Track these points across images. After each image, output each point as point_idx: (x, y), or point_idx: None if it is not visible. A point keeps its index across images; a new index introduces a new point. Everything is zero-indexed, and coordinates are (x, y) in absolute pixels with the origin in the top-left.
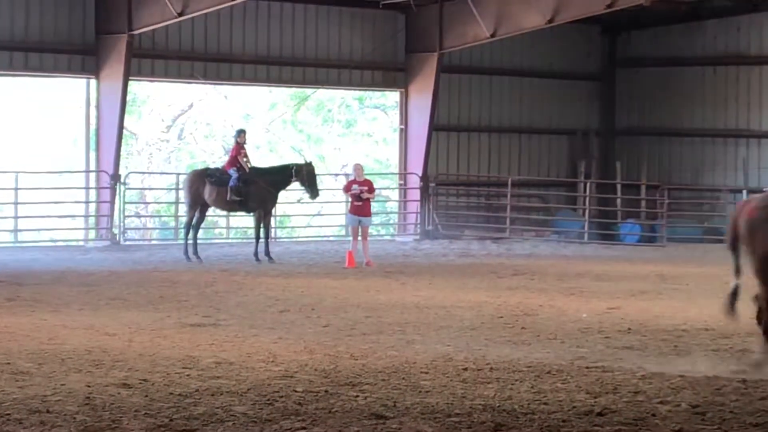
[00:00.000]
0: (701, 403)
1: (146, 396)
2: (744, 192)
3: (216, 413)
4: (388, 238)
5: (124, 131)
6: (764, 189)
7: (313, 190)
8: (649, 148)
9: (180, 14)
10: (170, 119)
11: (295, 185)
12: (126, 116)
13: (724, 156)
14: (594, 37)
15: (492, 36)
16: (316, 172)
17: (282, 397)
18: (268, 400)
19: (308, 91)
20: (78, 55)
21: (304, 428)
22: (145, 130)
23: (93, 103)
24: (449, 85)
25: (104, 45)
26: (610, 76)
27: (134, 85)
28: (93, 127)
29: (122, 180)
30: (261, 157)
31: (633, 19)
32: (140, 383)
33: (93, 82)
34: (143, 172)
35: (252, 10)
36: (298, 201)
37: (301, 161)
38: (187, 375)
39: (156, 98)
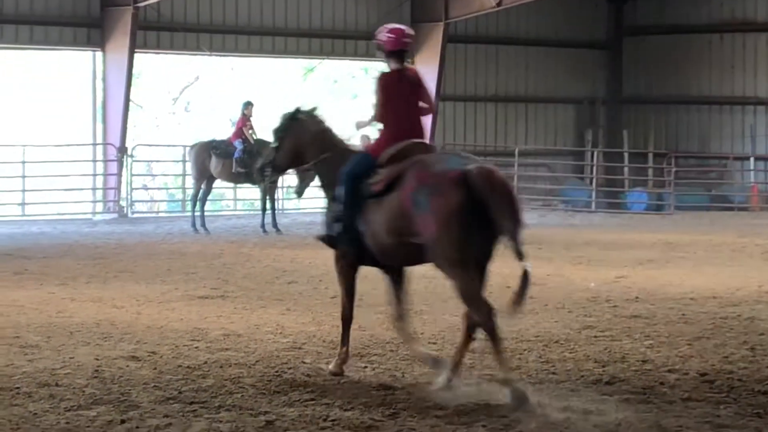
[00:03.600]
0: (709, 371)
1: (155, 368)
2: (751, 159)
3: (225, 385)
4: None
5: (131, 104)
6: None
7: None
8: (655, 116)
9: None
10: (177, 92)
11: None
12: (132, 89)
13: (731, 123)
14: (600, 5)
15: (498, 5)
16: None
17: (290, 368)
18: (277, 371)
19: (314, 62)
20: (83, 27)
21: (312, 400)
22: (151, 103)
23: (99, 76)
24: (455, 54)
25: (110, 17)
26: (616, 44)
27: (140, 58)
28: (100, 100)
29: (129, 153)
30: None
31: None
32: (149, 356)
33: (99, 54)
34: (150, 145)
35: None
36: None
37: None
38: (196, 347)
39: (162, 71)
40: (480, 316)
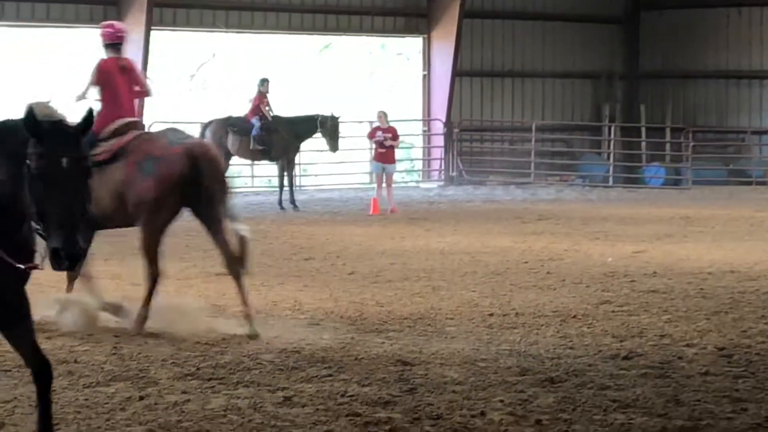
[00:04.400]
0: (727, 345)
1: (173, 345)
2: None
3: (243, 361)
4: (412, 184)
5: (148, 81)
6: None
7: (334, 143)
8: (673, 91)
9: None
10: (194, 69)
11: (316, 137)
12: (148, 66)
13: (749, 97)
14: None
15: None
16: (340, 126)
17: (308, 344)
18: (295, 347)
19: (330, 38)
20: (99, 5)
21: (330, 375)
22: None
23: None
24: (472, 30)
25: None
26: (633, 19)
27: (156, 35)
28: None
29: (146, 129)
30: (284, 106)
31: None
32: (166, 333)
33: None
34: (167, 122)
35: None
36: (323, 150)
37: (326, 113)
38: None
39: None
40: (149, 269)
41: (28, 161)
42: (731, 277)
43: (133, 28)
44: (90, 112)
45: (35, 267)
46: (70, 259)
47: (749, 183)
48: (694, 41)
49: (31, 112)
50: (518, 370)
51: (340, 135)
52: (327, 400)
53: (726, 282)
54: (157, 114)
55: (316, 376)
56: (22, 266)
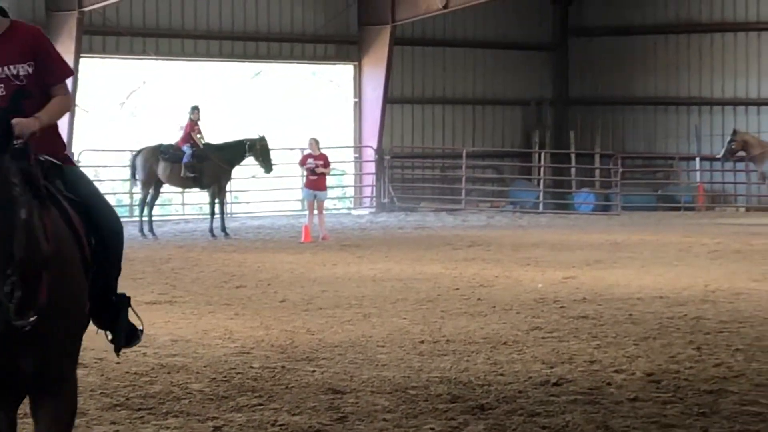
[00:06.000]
0: (656, 371)
1: (102, 375)
2: (697, 159)
3: (172, 391)
4: (344, 211)
5: (77, 109)
6: (716, 155)
7: (267, 164)
8: (602, 117)
9: None
10: (123, 96)
11: (249, 160)
12: (78, 94)
13: (677, 124)
14: (545, 7)
15: (444, 7)
16: (270, 146)
17: (238, 373)
18: (225, 376)
19: (261, 66)
20: None
21: (260, 404)
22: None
23: None
24: (402, 57)
25: (55, 23)
26: (562, 46)
27: (86, 62)
28: None
29: (75, 158)
30: (216, 133)
31: None
32: (96, 362)
33: None
34: (97, 150)
35: None
36: (253, 177)
37: (254, 137)
38: (144, 353)
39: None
40: None
41: None
42: (660, 303)
43: (62, 55)
44: (4, 118)
45: None
46: None
47: (678, 209)
48: (623, 68)
49: None
50: (449, 398)
51: (271, 155)
52: (257, 429)
53: (655, 308)
54: (87, 142)
55: (246, 405)
56: None
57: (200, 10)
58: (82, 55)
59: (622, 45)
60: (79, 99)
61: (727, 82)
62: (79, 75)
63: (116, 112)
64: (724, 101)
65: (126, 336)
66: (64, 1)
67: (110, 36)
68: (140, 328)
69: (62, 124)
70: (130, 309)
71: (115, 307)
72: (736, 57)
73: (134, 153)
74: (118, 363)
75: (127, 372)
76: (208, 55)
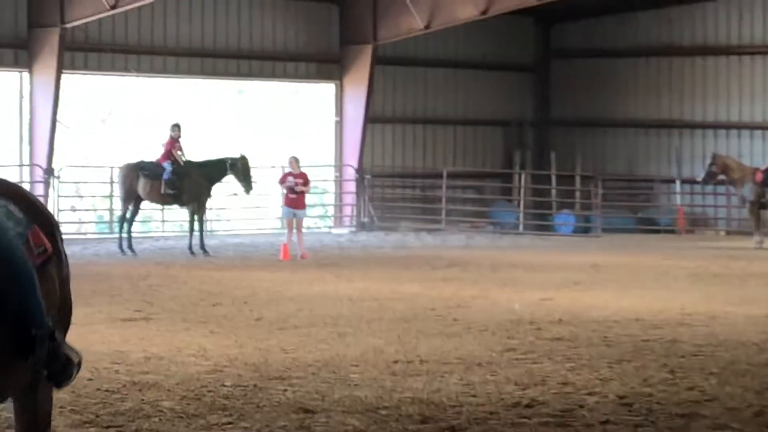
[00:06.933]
0: (629, 393)
1: (73, 392)
2: (677, 182)
3: (143, 408)
4: (325, 230)
5: (58, 125)
6: (697, 179)
7: (247, 183)
8: (583, 139)
9: (113, 7)
10: (105, 113)
11: (230, 178)
12: (60, 110)
13: (657, 146)
14: (528, 28)
15: (426, 27)
16: (251, 165)
17: (210, 391)
18: (196, 395)
19: (243, 84)
20: (10, 48)
21: (230, 423)
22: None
23: (26, 97)
24: (384, 76)
25: (37, 38)
26: (544, 67)
27: (68, 79)
28: (26, 121)
29: (56, 174)
30: (197, 151)
31: (566, 10)
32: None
33: (26, 75)
34: (78, 166)
35: (186, 2)
36: (234, 195)
37: (236, 155)
38: (116, 370)
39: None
40: None
41: None
42: (636, 326)
43: (44, 71)
44: None
45: None
46: None
47: (657, 231)
48: (604, 90)
49: None
50: (420, 418)
51: (252, 175)
52: None
53: (630, 330)
54: (68, 158)
55: (216, 424)
56: None
57: (182, 27)
58: (63, 71)
59: (604, 67)
60: (61, 115)
61: (708, 106)
62: (61, 91)
63: (97, 128)
64: (705, 125)
65: (59, 370)
66: (46, 17)
67: (92, 52)
68: (76, 359)
69: (43, 139)
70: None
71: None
72: (718, 81)
73: (116, 169)
74: (89, 380)
75: (98, 389)
76: (190, 72)
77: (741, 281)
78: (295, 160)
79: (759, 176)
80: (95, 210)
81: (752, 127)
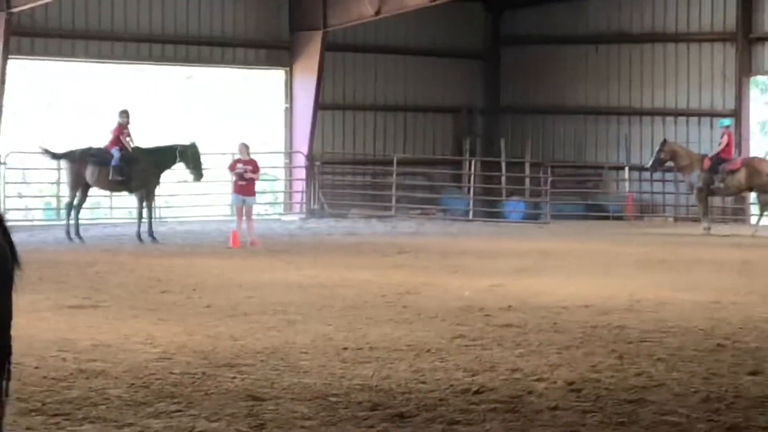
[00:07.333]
0: (577, 379)
1: (19, 380)
2: (626, 169)
3: (90, 396)
4: (275, 217)
5: (4, 110)
6: (645, 165)
7: (197, 171)
8: (532, 126)
9: None
10: (52, 98)
11: (179, 166)
12: (5, 95)
13: (606, 133)
14: (478, 15)
15: (376, 14)
16: (201, 153)
17: (158, 379)
18: (144, 382)
19: (192, 69)
20: None
21: (179, 411)
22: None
23: None
24: (334, 63)
25: None
26: (494, 54)
27: (13, 64)
28: None
29: (2, 160)
30: (146, 137)
31: None
32: (13, 367)
33: None
34: (24, 152)
35: None
36: (184, 181)
37: (186, 142)
38: (63, 358)
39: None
40: None
41: None
42: (585, 312)
43: None
44: None
45: None
46: None
47: (606, 218)
48: (554, 77)
49: None
50: (369, 405)
51: (201, 162)
52: None
53: (579, 316)
54: (15, 143)
55: (165, 412)
56: None
57: (130, 12)
58: (9, 56)
59: (554, 54)
60: (6, 100)
61: (656, 93)
62: (7, 76)
63: (44, 113)
64: (653, 111)
65: None
66: None
67: (39, 38)
68: None
69: None
70: None
71: None
72: (666, 68)
73: (61, 154)
74: (36, 368)
75: (45, 377)
76: (138, 58)
77: (688, 267)
78: (244, 147)
79: (707, 163)
80: (42, 196)
81: (700, 114)
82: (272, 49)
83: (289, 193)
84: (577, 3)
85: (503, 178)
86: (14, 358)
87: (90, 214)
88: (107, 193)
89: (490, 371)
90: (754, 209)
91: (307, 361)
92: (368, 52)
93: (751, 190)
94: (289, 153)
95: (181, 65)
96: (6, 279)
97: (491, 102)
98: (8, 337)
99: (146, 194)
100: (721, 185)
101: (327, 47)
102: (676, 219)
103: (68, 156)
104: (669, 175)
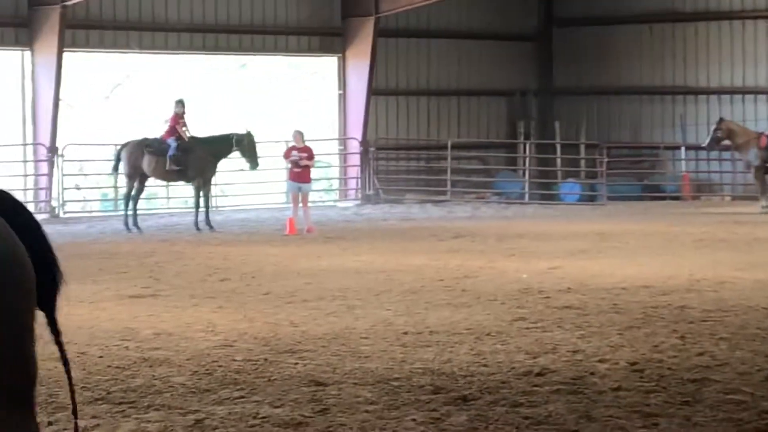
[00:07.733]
0: (639, 360)
1: (84, 369)
2: (682, 148)
3: (154, 384)
4: (330, 203)
5: (61, 103)
6: (702, 145)
7: (253, 160)
8: (587, 107)
9: None
10: (108, 90)
11: (235, 155)
12: (62, 88)
13: (662, 113)
14: None
15: None
16: (256, 142)
17: (221, 366)
18: (207, 369)
19: (245, 58)
20: (11, 27)
21: (242, 397)
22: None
23: (28, 75)
24: (386, 49)
25: (37, 17)
26: (547, 36)
27: (69, 56)
28: (29, 100)
29: (60, 152)
30: (201, 126)
31: None
32: (78, 356)
33: (27, 54)
34: (81, 144)
35: None
36: (239, 170)
37: (241, 131)
38: (126, 347)
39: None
40: None
41: None
42: (644, 292)
43: (45, 49)
44: None
45: None
46: None
47: (663, 198)
48: (607, 58)
49: None
50: (431, 389)
51: (258, 151)
52: (238, 422)
53: (639, 297)
54: (72, 136)
55: (228, 398)
56: None
57: (183, 3)
58: (65, 49)
59: (607, 35)
60: (64, 93)
61: (711, 71)
62: (63, 69)
63: (101, 105)
64: (709, 90)
65: None
66: None
67: (93, 30)
68: None
69: (46, 118)
70: None
71: None
72: (721, 46)
73: (119, 146)
74: (100, 357)
75: (109, 366)
76: (192, 48)
77: (747, 246)
78: (299, 134)
79: (764, 141)
80: (99, 188)
81: (756, 92)
82: (325, 36)
83: (344, 179)
84: None
85: (558, 161)
86: (78, 348)
87: (147, 205)
88: (164, 183)
89: (552, 353)
90: None
91: (368, 346)
92: (420, 37)
93: None
94: (344, 139)
95: (234, 54)
96: (23, 291)
97: (545, 84)
98: (27, 360)
99: (203, 183)
100: None
101: (379, 33)
102: (733, 198)
103: (125, 148)
104: (726, 154)
